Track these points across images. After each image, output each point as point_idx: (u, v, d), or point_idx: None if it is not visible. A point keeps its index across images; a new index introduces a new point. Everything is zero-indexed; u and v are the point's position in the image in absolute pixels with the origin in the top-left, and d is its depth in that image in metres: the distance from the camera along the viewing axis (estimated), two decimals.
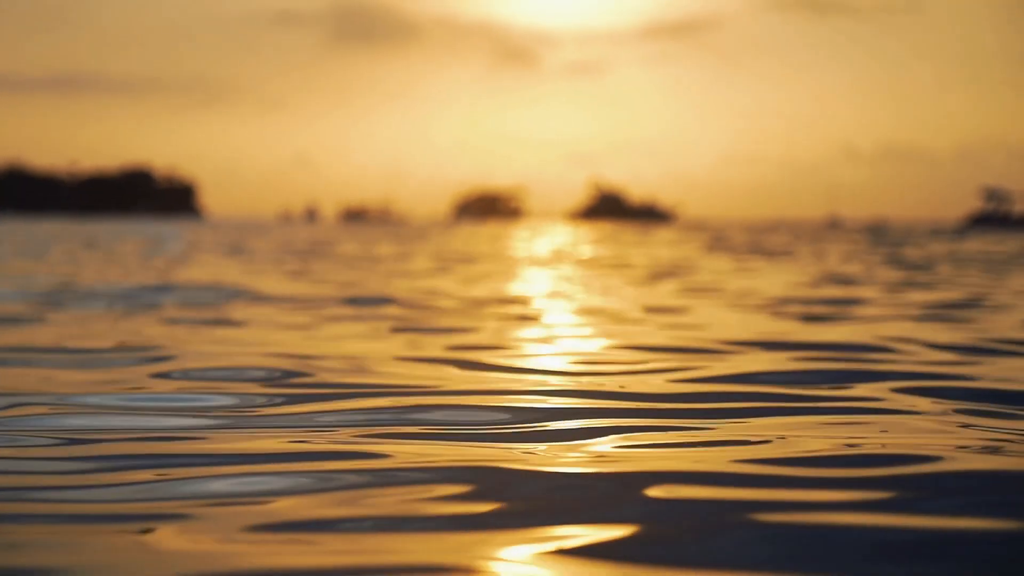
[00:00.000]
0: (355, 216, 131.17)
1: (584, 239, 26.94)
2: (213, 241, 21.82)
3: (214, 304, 6.68)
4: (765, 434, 2.65)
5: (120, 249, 16.94)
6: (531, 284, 8.47)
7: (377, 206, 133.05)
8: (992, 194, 72.25)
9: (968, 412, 2.98)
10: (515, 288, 7.96)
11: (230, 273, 10.12)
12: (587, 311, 6.26)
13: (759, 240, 26.61)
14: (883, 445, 2.49)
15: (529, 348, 4.45)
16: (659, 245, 21.69)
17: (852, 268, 12.08)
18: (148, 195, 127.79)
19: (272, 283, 8.76)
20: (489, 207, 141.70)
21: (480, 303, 6.84)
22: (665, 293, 7.52)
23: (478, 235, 31.66)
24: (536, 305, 6.83)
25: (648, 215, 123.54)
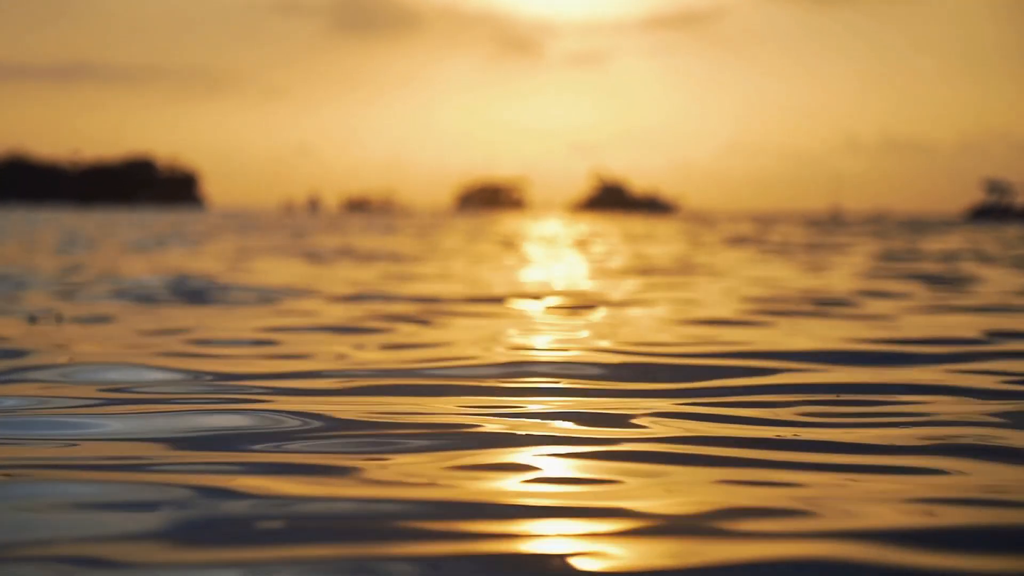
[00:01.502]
0: (357, 206, 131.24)
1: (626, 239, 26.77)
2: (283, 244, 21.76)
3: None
4: None
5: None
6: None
7: (379, 196, 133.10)
8: (994, 186, 72.29)
9: None
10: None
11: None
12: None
13: (826, 240, 26.21)
14: None
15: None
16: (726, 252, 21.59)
17: None
18: (150, 184, 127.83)
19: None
20: (491, 198, 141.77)
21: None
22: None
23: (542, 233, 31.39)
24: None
25: (650, 206, 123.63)
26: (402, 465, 2.34)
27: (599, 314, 5.91)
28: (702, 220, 58.19)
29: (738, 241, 20.80)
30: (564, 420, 2.87)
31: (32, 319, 5.30)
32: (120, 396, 3.17)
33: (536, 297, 7.09)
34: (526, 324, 5.40)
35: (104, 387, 3.32)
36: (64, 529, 1.86)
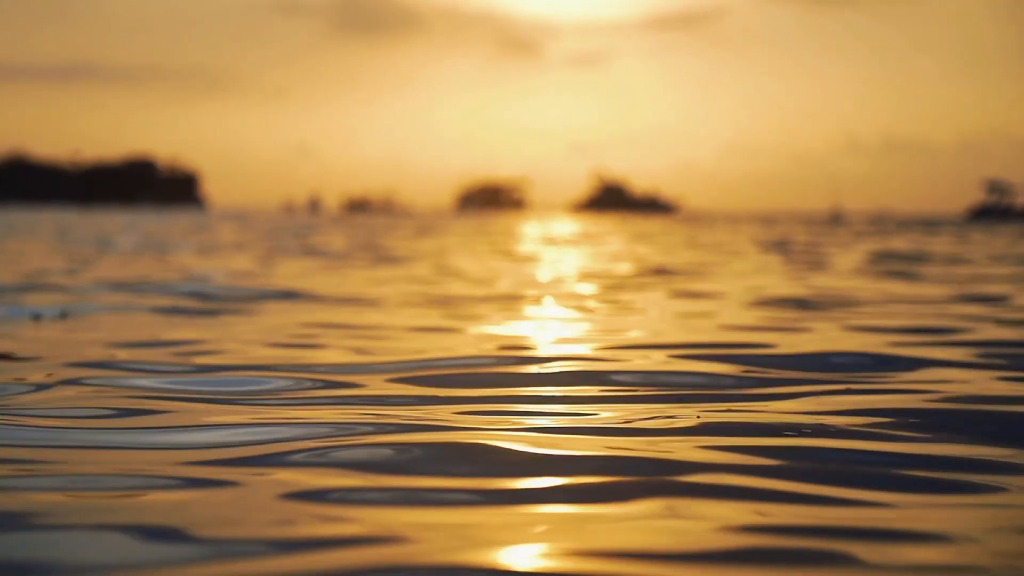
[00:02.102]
0: (358, 207, 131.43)
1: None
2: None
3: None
4: None
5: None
6: None
7: (380, 197, 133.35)
8: (994, 186, 72.39)
9: None
10: None
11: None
12: None
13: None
14: None
15: None
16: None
17: None
18: (150, 185, 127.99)
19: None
20: (492, 198, 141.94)
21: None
22: None
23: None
24: None
25: (651, 207, 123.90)
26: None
27: (641, 315, 5.87)
28: (705, 220, 58.19)
29: (757, 242, 20.80)
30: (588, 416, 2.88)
31: (36, 316, 5.30)
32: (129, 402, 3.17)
33: (587, 298, 6.96)
34: (581, 322, 5.35)
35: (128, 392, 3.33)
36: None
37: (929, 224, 46.15)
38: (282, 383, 3.30)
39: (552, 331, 4.91)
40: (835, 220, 62.58)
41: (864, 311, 5.96)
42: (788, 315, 5.71)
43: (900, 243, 19.82)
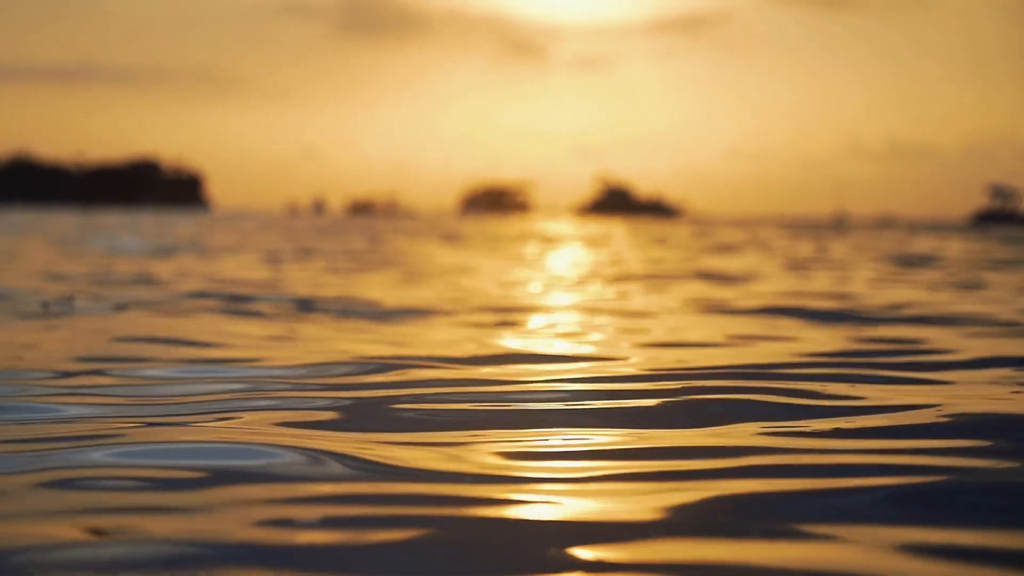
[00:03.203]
0: (362, 209, 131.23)
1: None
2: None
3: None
4: None
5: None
6: None
7: (384, 199, 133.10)
8: (998, 191, 72.28)
9: None
10: None
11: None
12: None
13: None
14: None
15: None
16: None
17: None
18: (155, 186, 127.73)
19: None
20: (496, 201, 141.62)
21: None
22: None
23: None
24: None
25: (655, 210, 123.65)
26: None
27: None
28: (712, 224, 58.00)
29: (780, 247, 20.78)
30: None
31: (45, 306, 5.34)
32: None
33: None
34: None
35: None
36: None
37: (934, 229, 46.08)
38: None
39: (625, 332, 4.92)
40: (839, 224, 62.35)
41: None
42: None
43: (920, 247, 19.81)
